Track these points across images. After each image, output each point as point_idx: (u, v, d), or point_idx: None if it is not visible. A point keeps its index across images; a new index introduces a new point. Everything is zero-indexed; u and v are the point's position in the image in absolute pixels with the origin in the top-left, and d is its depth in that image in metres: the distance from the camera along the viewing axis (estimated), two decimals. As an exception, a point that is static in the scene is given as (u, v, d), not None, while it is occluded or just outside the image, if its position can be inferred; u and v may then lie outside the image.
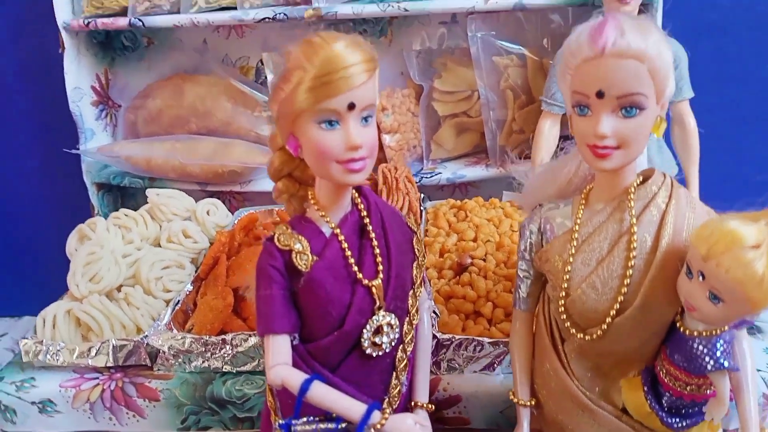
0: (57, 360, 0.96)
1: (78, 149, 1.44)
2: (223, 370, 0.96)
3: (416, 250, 0.74)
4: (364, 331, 0.66)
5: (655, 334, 0.68)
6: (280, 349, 0.65)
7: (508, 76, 1.36)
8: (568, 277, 0.69)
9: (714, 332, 0.64)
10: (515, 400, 0.77)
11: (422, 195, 1.28)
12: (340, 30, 1.43)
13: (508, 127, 1.38)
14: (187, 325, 1.01)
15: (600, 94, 0.61)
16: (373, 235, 0.68)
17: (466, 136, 1.45)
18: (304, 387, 0.63)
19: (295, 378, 0.64)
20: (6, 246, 1.70)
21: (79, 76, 1.44)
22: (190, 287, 1.07)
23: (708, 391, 0.66)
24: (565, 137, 1.30)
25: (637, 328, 0.67)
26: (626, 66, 0.60)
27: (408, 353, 0.72)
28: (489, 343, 0.90)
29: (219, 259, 1.09)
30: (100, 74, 1.49)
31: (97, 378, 0.96)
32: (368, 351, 0.67)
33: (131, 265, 1.08)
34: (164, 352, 0.96)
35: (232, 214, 1.33)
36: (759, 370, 0.89)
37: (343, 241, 0.66)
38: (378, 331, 0.67)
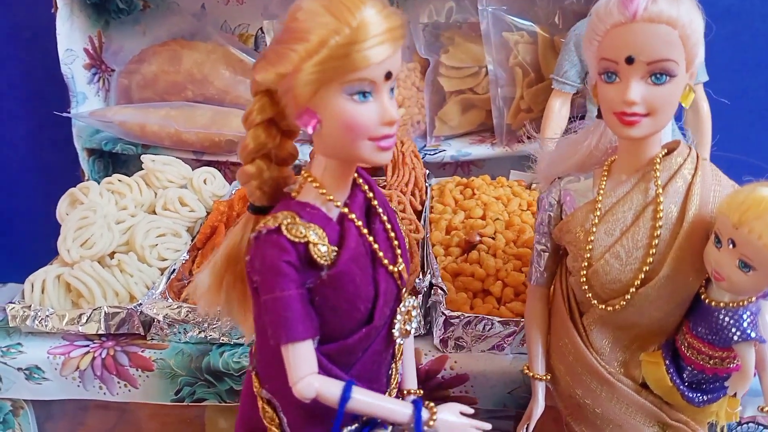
0: (45, 326, 0.92)
1: (69, 113, 1.38)
2: (220, 341, 0.93)
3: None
4: (396, 320, 0.61)
5: (679, 305, 0.67)
6: (306, 357, 0.55)
7: (518, 53, 1.33)
8: (590, 247, 0.67)
9: (740, 303, 0.62)
10: (530, 374, 0.75)
11: (427, 171, 1.25)
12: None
13: (515, 105, 1.35)
14: (183, 294, 0.98)
15: (630, 60, 0.60)
16: (385, 218, 0.61)
17: (471, 113, 1.41)
18: (347, 395, 0.55)
19: (332, 387, 0.56)
20: (-10, 211, 1.65)
21: (71, 37, 1.37)
22: (186, 256, 1.03)
23: (731, 365, 0.65)
24: (573, 118, 1.28)
25: (661, 299, 0.65)
26: (658, 31, 0.59)
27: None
28: (499, 322, 0.87)
29: (217, 228, 1.06)
30: (93, 37, 1.43)
31: (88, 345, 0.92)
32: (399, 340, 0.62)
33: (124, 232, 1.04)
34: (159, 321, 0.92)
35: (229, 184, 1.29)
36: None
37: (361, 227, 0.58)
38: (406, 317, 0.62)
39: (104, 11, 1.46)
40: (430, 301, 0.94)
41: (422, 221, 1.10)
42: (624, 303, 0.66)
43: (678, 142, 0.69)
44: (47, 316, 0.92)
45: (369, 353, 0.60)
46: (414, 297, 0.63)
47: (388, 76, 0.52)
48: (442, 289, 0.91)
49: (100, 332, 0.93)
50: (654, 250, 0.64)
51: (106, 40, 1.46)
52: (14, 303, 0.94)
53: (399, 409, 0.58)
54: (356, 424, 0.60)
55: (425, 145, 1.40)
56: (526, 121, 1.31)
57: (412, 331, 0.63)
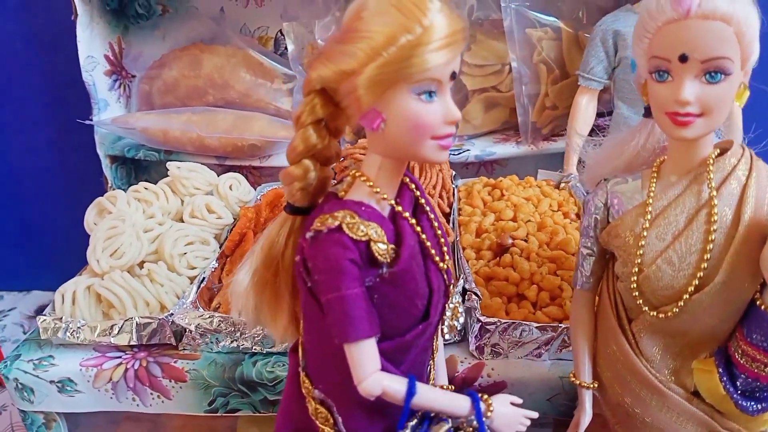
0: (77, 338, 0.91)
1: (91, 120, 1.38)
2: (253, 350, 0.91)
3: None
4: (445, 317, 0.62)
5: (734, 312, 0.64)
6: (371, 354, 0.56)
7: (542, 49, 1.30)
8: (641, 252, 0.65)
9: (799, 310, 0.60)
10: (577, 382, 0.73)
11: (453, 172, 1.23)
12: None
13: (540, 102, 1.33)
14: (213, 303, 0.97)
15: (683, 58, 0.58)
16: (432, 216, 0.62)
17: (495, 111, 1.39)
18: (412, 390, 0.56)
19: (397, 384, 0.56)
20: (13, 219, 1.64)
21: (91, 44, 1.37)
22: (215, 264, 1.02)
23: (788, 373, 0.63)
24: (600, 114, 1.26)
25: (716, 306, 0.63)
26: (712, 28, 0.57)
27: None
28: (537, 327, 0.85)
29: (245, 235, 1.04)
30: (113, 43, 1.42)
31: (120, 357, 0.91)
32: (447, 336, 0.63)
33: (153, 241, 1.03)
34: (191, 331, 0.91)
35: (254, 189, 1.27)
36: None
37: (415, 224, 0.59)
38: (454, 313, 0.63)
39: (123, 17, 1.45)
40: (465, 307, 0.92)
41: (451, 224, 1.08)
42: (677, 310, 0.64)
43: (731, 142, 0.66)
44: (79, 327, 0.91)
45: (419, 349, 0.61)
46: (458, 294, 0.64)
47: (453, 76, 0.53)
48: (476, 294, 0.89)
49: (131, 343, 0.92)
50: (708, 255, 0.62)
51: (126, 46, 1.45)
52: (45, 315, 0.93)
53: (458, 403, 0.59)
54: (415, 419, 0.61)
55: (449, 146, 1.38)
56: (543, 124, 1.28)
57: (458, 326, 0.63)
